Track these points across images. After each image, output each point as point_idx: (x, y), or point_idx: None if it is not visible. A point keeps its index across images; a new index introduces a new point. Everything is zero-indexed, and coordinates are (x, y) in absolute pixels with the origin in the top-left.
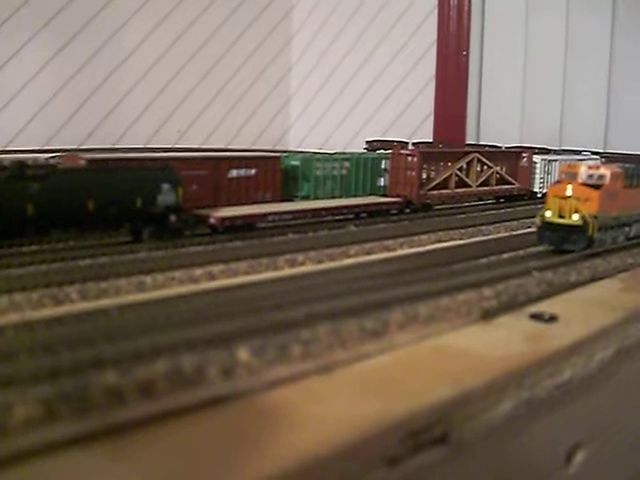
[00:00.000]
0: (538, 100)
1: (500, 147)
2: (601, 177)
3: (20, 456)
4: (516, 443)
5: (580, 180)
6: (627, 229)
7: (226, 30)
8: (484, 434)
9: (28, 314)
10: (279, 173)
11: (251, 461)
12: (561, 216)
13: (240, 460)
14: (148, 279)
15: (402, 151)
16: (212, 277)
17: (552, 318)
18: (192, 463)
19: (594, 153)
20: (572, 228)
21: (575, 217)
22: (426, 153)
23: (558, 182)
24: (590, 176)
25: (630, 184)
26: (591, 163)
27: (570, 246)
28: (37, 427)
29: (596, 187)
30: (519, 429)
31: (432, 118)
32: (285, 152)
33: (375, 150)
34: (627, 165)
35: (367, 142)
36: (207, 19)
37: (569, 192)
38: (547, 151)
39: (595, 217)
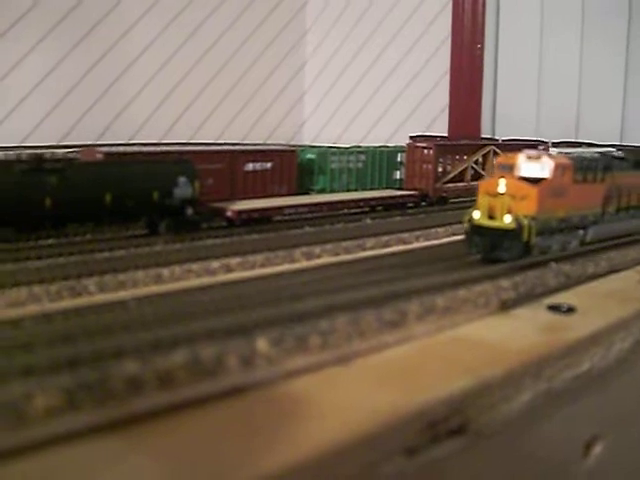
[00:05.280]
0: (554, 93)
1: (497, 140)
2: (542, 170)
3: (40, 445)
4: (534, 434)
5: (517, 173)
6: (581, 232)
7: (240, 26)
8: (502, 425)
9: (47, 306)
10: (295, 166)
11: (269, 451)
12: (492, 217)
13: (258, 449)
14: (165, 271)
15: (418, 144)
16: (229, 269)
17: (570, 309)
18: (209, 453)
19: (611, 146)
20: (504, 232)
21: (507, 219)
22: (442, 146)
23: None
24: (529, 169)
25: (583, 178)
26: (531, 152)
27: (501, 254)
28: (56, 416)
29: (536, 182)
30: (537, 420)
31: (447, 112)
32: (299, 147)
33: None
34: (579, 155)
35: (411, 137)
36: (220, 15)
37: (502, 188)
38: (567, 144)
39: (533, 219)
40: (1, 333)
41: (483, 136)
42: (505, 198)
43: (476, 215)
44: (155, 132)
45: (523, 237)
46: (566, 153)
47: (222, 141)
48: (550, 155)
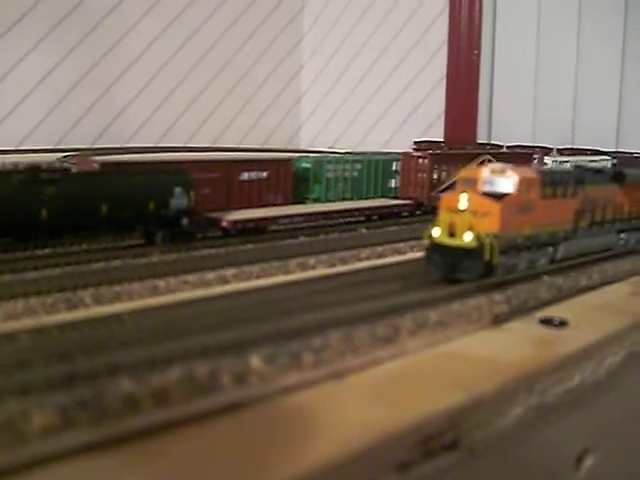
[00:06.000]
0: (550, 99)
1: (502, 145)
2: (507, 185)
3: (36, 462)
4: (526, 448)
5: (480, 188)
6: (551, 250)
7: (237, 30)
8: (494, 440)
9: (43, 319)
10: (290, 175)
11: (263, 468)
12: (452, 235)
13: (252, 467)
14: (161, 283)
15: (413, 153)
16: (224, 281)
17: (562, 323)
18: (203, 471)
19: (597, 152)
20: (465, 251)
21: (467, 237)
22: (437, 155)
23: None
24: (492, 183)
25: (552, 193)
26: (495, 166)
27: (461, 275)
28: (53, 434)
29: (500, 198)
30: (529, 434)
31: (443, 117)
32: (296, 152)
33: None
34: (547, 169)
35: (415, 142)
36: (218, 19)
37: (463, 204)
38: (571, 150)
39: (496, 237)
40: None
41: (486, 142)
42: (466, 215)
43: (436, 232)
44: (152, 136)
45: (484, 256)
46: (560, 162)
47: (219, 145)
48: (516, 169)
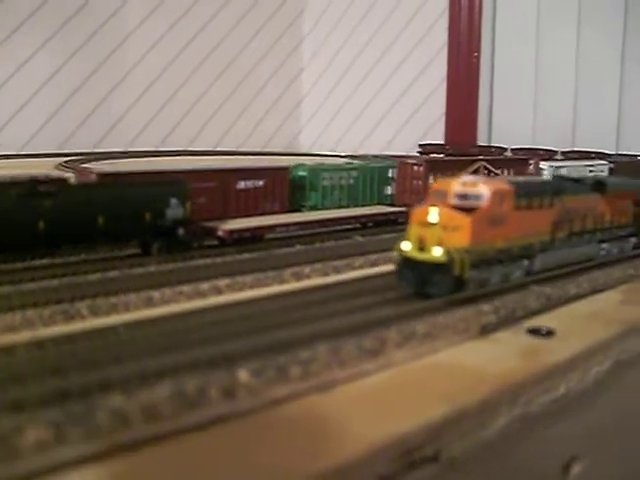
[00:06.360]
0: (550, 101)
1: (506, 148)
2: (478, 197)
3: (31, 475)
4: (510, 458)
5: (451, 201)
6: (527, 262)
7: (237, 34)
8: (477, 451)
9: (40, 331)
10: (287, 184)
11: (246, 478)
12: (422, 249)
13: (236, 477)
14: (156, 294)
15: (408, 161)
16: (219, 291)
17: (549, 333)
18: None
19: (601, 154)
20: (435, 266)
21: (437, 252)
22: (432, 162)
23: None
24: (463, 196)
25: (527, 204)
26: (467, 178)
27: (431, 290)
28: (47, 449)
29: (471, 211)
30: (513, 445)
31: (444, 120)
32: (297, 155)
33: (428, 154)
34: (520, 180)
35: (420, 145)
36: (219, 22)
37: (433, 217)
38: (577, 153)
39: (467, 251)
40: None
41: (492, 145)
42: (436, 229)
43: (406, 246)
44: (153, 139)
45: (454, 271)
46: (556, 167)
47: (219, 149)
48: (488, 181)
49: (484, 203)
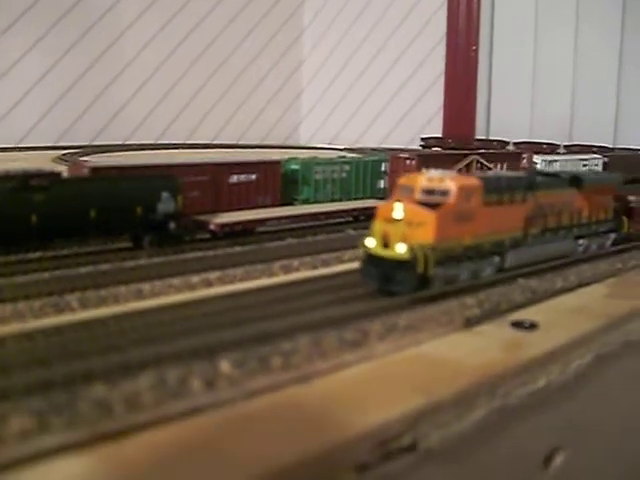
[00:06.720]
0: (548, 94)
1: (508, 142)
2: (444, 193)
3: (17, 462)
4: (489, 449)
5: (417, 197)
6: (497, 259)
7: (236, 25)
8: (454, 441)
9: (29, 323)
10: (279, 177)
11: (228, 467)
12: (386, 246)
13: (216, 466)
14: (146, 287)
15: (401, 154)
16: (209, 284)
17: (532, 326)
18: (171, 470)
19: (604, 148)
20: (398, 263)
21: (400, 248)
22: (425, 156)
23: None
24: (429, 192)
25: (498, 200)
26: (434, 172)
27: (394, 287)
28: (30, 437)
29: (435, 207)
30: (492, 436)
31: (441, 113)
32: (296, 148)
33: (430, 147)
34: (491, 175)
35: (422, 139)
36: (217, 14)
37: (398, 213)
38: (579, 147)
39: (432, 248)
40: None
41: (494, 139)
42: (400, 225)
43: (370, 243)
44: (152, 132)
45: (418, 268)
46: (549, 161)
47: (217, 142)
48: (456, 177)
49: (450, 199)
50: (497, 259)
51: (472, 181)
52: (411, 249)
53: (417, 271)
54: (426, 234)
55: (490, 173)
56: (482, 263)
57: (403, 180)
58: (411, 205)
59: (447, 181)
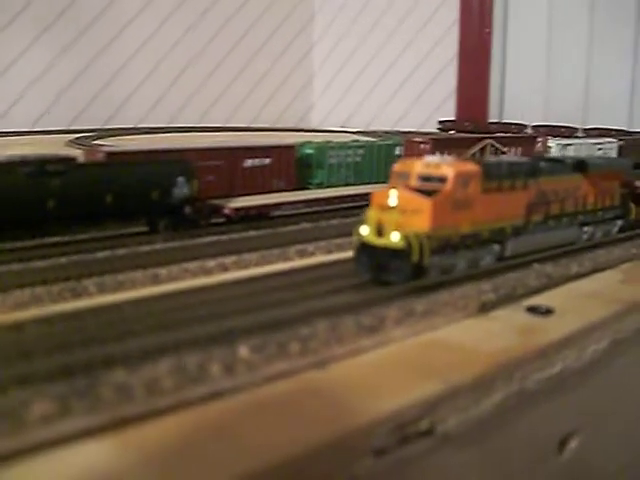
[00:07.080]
0: (562, 77)
1: (526, 125)
2: (441, 179)
3: (38, 447)
4: (505, 434)
5: (413, 183)
6: (497, 247)
7: (248, 9)
8: (471, 426)
9: (48, 308)
10: (293, 161)
11: (246, 452)
12: (381, 234)
13: (237, 451)
14: (163, 271)
15: (415, 138)
16: (224, 269)
17: (548, 311)
18: (190, 453)
19: (622, 132)
20: (393, 252)
21: (395, 237)
22: (438, 140)
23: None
24: (426, 178)
25: (498, 186)
26: (431, 158)
27: (389, 277)
28: (52, 422)
29: (431, 194)
30: (508, 420)
31: (455, 96)
32: (308, 131)
33: (447, 130)
34: (491, 161)
35: (440, 122)
36: None
37: (392, 201)
38: (598, 130)
39: (427, 236)
40: (3, 338)
41: (511, 122)
42: (394, 213)
43: (364, 231)
44: (164, 115)
45: (413, 257)
46: (564, 144)
47: (230, 125)
48: (454, 162)
49: (447, 185)
50: (497, 247)
51: (470, 167)
52: (406, 238)
53: (412, 260)
54: (422, 222)
55: (492, 159)
56: (481, 252)
57: (399, 166)
58: (406, 192)
59: (444, 167)
